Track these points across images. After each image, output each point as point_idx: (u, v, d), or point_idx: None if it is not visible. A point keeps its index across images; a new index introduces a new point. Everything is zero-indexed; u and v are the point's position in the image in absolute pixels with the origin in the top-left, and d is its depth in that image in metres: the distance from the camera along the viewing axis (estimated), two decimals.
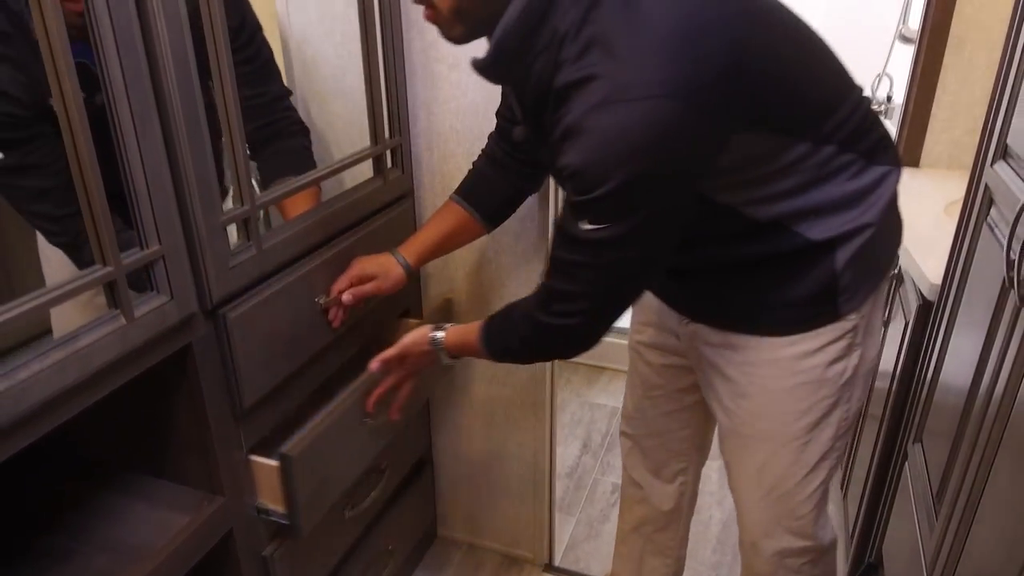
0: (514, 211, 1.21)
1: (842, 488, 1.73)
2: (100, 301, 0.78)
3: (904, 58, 1.84)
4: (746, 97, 0.79)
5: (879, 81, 2.03)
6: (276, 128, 1.25)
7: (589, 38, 0.77)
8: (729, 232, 0.93)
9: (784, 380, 0.99)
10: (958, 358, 1.06)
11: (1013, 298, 0.83)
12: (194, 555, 0.94)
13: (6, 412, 0.66)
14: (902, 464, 1.28)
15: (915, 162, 1.80)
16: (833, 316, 0.96)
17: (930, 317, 1.22)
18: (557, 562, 1.72)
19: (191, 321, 0.88)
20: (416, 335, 1.09)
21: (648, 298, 1.18)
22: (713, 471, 1.89)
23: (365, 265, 1.14)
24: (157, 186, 0.78)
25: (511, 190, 1.17)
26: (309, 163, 1.28)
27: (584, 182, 0.78)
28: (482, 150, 1.18)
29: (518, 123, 1.01)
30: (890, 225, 0.99)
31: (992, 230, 0.98)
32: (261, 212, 0.97)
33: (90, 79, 0.71)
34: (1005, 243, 0.84)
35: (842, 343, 0.97)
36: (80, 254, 0.72)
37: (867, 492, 1.43)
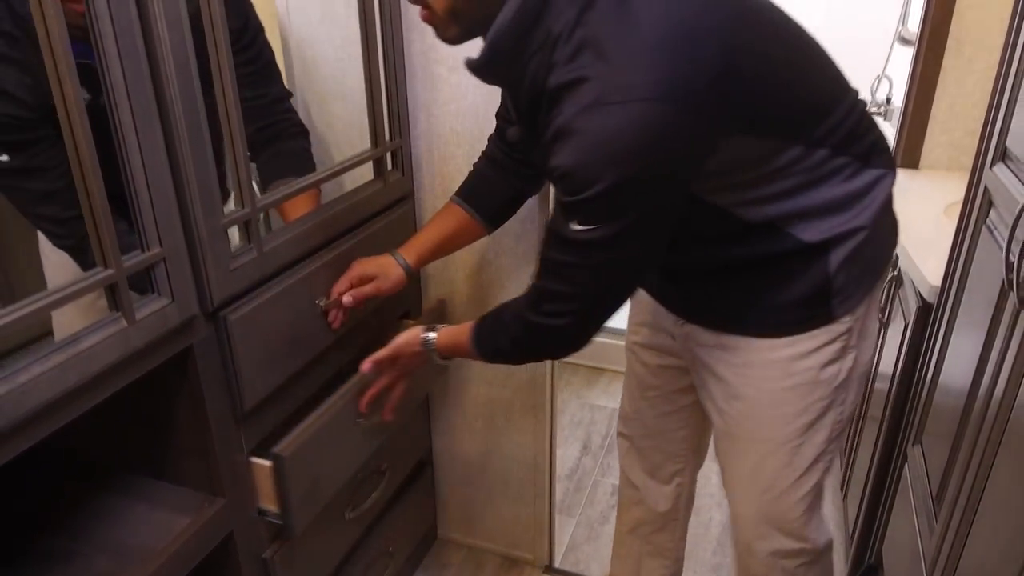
0: (515, 212, 1.21)
1: (842, 489, 1.73)
2: (102, 304, 0.78)
3: (903, 60, 1.84)
4: (738, 101, 0.79)
5: (878, 83, 2.03)
6: (276, 130, 1.25)
7: (581, 40, 0.77)
8: (722, 233, 0.94)
9: (778, 382, 0.99)
10: (958, 360, 1.06)
11: (1012, 300, 0.83)
12: (195, 557, 0.94)
13: (7, 415, 0.67)
14: (902, 465, 1.28)
15: (914, 163, 1.80)
16: (827, 318, 0.96)
17: (930, 319, 1.22)
18: (557, 563, 1.72)
19: (192, 323, 0.88)
20: (408, 336, 1.09)
21: (643, 298, 1.18)
22: (713, 473, 1.89)
23: (364, 266, 1.14)
24: (158, 188, 0.79)
25: (511, 191, 1.17)
26: (309, 165, 1.29)
27: (574, 183, 0.78)
28: (482, 151, 1.18)
29: (514, 123, 1.01)
30: (884, 228, 0.99)
31: (991, 232, 0.99)
32: (261, 214, 0.97)
33: (95, 80, 0.71)
34: (1004, 245, 0.84)
35: (836, 345, 0.97)
36: (85, 257, 0.73)
37: (867, 493, 1.43)
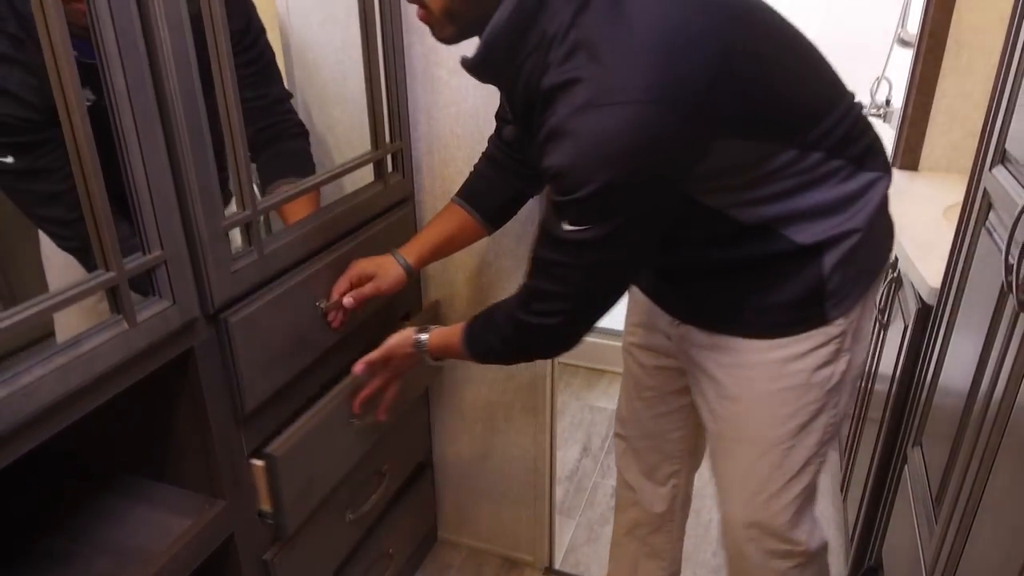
0: (515, 213, 1.21)
1: (842, 491, 1.73)
2: (104, 307, 0.78)
3: (903, 62, 1.85)
4: (732, 104, 0.79)
5: (878, 85, 2.03)
6: (277, 130, 1.25)
7: (575, 42, 0.78)
8: (717, 234, 0.94)
9: (770, 383, 0.99)
10: (957, 362, 1.06)
11: (1012, 302, 0.83)
12: (195, 559, 0.94)
13: (9, 417, 0.67)
14: (902, 467, 1.29)
15: (914, 165, 1.80)
16: (821, 320, 0.96)
17: (929, 320, 1.22)
18: (557, 565, 1.72)
19: (193, 326, 0.88)
20: (400, 337, 1.09)
21: (639, 299, 1.18)
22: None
23: (363, 266, 1.14)
24: (159, 191, 0.79)
25: (511, 191, 1.17)
26: (309, 165, 1.29)
27: (567, 183, 0.79)
28: (483, 152, 1.19)
29: (511, 123, 1.02)
30: (879, 231, 0.99)
31: (991, 234, 0.99)
32: (261, 217, 0.97)
33: (100, 81, 0.71)
34: (1004, 247, 0.84)
35: (829, 348, 0.97)
36: (90, 258, 0.73)
37: (867, 495, 1.43)
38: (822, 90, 0.91)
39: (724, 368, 1.02)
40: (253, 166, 1.21)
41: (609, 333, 2.30)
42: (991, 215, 1.00)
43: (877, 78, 2.03)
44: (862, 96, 2.07)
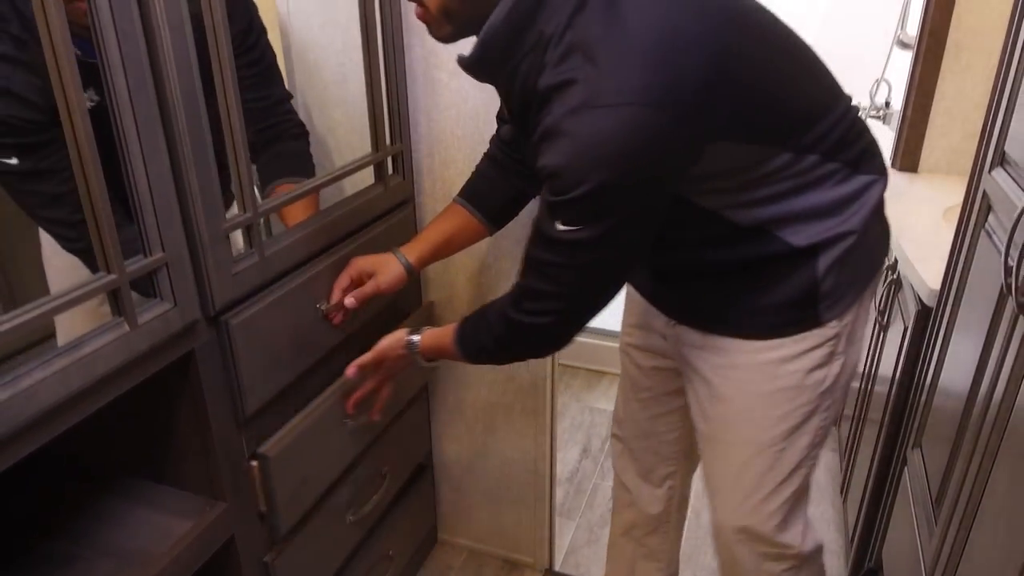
0: (517, 213, 1.20)
1: (842, 492, 1.73)
2: (105, 310, 0.78)
3: (902, 64, 1.85)
4: (727, 107, 0.79)
5: (877, 87, 2.04)
6: (277, 131, 1.25)
7: (571, 43, 0.78)
8: (712, 235, 0.94)
9: (762, 384, 0.99)
10: (957, 364, 1.07)
11: (1011, 304, 0.83)
12: (196, 561, 0.94)
13: (11, 420, 0.67)
14: (901, 469, 1.29)
15: (913, 167, 1.80)
16: (815, 322, 0.96)
17: (929, 322, 1.22)
18: (557, 567, 1.72)
19: (194, 328, 0.88)
20: (392, 339, 1.09)
21: (636, 300, 1.18)
22: None
23: (363, 263, 1.13)
24: (160, 193, 0.79)
25: (512, 191, 1.17)
26: (309, 165, 1.29)
27: (561, 183, 0.79)
28: (485, 152, 1.19)
29: (507, 122, 1.02)
30: (875, 233, 0.99)
31: (990, 236, 0.99)
32: (262, 219, 0.97)
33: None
34: (1003, 249, 0.85)
35: (823, 350, 0.97)
36: (95, 260, 0.74)
37: (867, 497, 1.43)
38: (818, 93, 0.91)
39: (717, 369, 1.03)
40: (253, 167, 1.21)
41: (609, 335, 2.30)
42: (990, 217, 1.00)
43: (877, 80, 2.04)
44: (862, 98, 2.08)
